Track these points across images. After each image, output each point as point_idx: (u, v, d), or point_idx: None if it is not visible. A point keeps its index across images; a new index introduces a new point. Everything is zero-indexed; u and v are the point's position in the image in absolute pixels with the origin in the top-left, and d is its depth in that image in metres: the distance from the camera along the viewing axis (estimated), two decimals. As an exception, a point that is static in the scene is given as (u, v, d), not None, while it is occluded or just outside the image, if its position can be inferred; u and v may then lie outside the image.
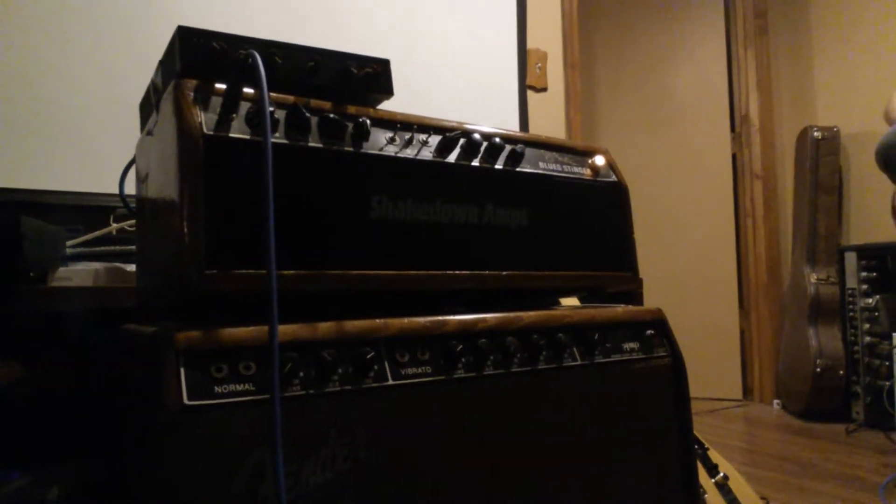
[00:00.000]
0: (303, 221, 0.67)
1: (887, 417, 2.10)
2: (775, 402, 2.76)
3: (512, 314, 0.78)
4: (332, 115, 0.69)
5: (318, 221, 0.67)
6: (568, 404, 0.81)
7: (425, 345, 0.70)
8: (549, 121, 2.21)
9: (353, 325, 0.66)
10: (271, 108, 0.65)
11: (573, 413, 0.81)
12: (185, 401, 0.56)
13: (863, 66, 2.64)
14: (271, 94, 0.67)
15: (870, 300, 2.35)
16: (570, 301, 1.27)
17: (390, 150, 0.73)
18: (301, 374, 0.62)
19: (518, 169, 0.84)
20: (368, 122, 0.72)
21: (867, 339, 2.34)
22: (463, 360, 0.72)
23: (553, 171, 0.88)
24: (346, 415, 0.64)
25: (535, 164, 0.86)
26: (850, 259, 2.39)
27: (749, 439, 2.35)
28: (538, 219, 0.85)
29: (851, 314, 2.40)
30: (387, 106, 0.80)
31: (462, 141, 0.80)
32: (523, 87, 2.11)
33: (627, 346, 0.87)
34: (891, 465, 1.86)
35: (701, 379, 2.91)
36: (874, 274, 2.37)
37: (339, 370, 0.65)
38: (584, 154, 0.94)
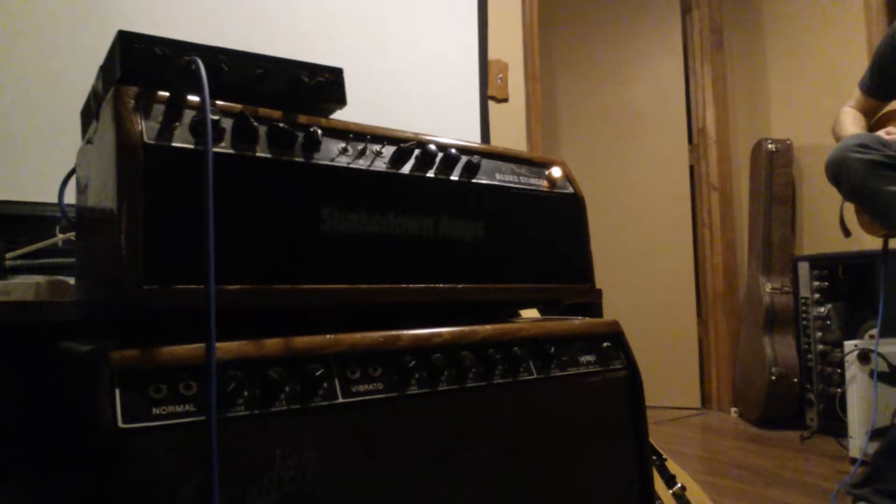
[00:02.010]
0: (250, 234, 0.64)
1: (839, 424, 2.14)
2: (733, 410, 2.80)
3: (467, 328, 0.77)
4: (281, 125, 0.67)
5: (265, 234, 0.65)
6: (524, 418, 0.80)
7: (377, 361, 0.69)
8: (511, 131, 2.21)
9: (302, 341, 0.64)
10: (216, 117, 0.62)
11: (529, 427, 0.80)
12: (120, 423, 0.53)
13: (814, 81, 2.72)
14: (217, 102, 0.65)
15: (822, 309, 2.41)
16: (531, 313, 1.26)
17: (342, 161, 0.72)
18: (245, 393, 0.60)
19: (474, 180, 0.83)
20: (320, 131, 0.70)
21: (820, 347, 2.39)
22: (416, 375, 0.70)
23: (510, 182, 0.87)
24: (294, 435, 0.62)
25: (491, 176, 0.86)
26: (804, 269, 2.45)
27: (707, 448, 2.38)
28: (494, 231, 0.84)
29: (805, 323, 2.45)
30: (345, 116, 0.78)
31: (417, 152, 0.79)
32: (484, 98, 2.11)
33: (584, 358, 0.86)
34: (843, 472, 1.90)
35: (661, 388, 2.94)
36: (826, 283, 2.43)
37: (287, 388, 0.62)
38: (541, 165, 0.93)
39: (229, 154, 0.63)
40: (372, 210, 0.73)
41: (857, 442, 1.90)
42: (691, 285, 2.95)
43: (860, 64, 1.90)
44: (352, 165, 0.72)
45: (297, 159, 0.68)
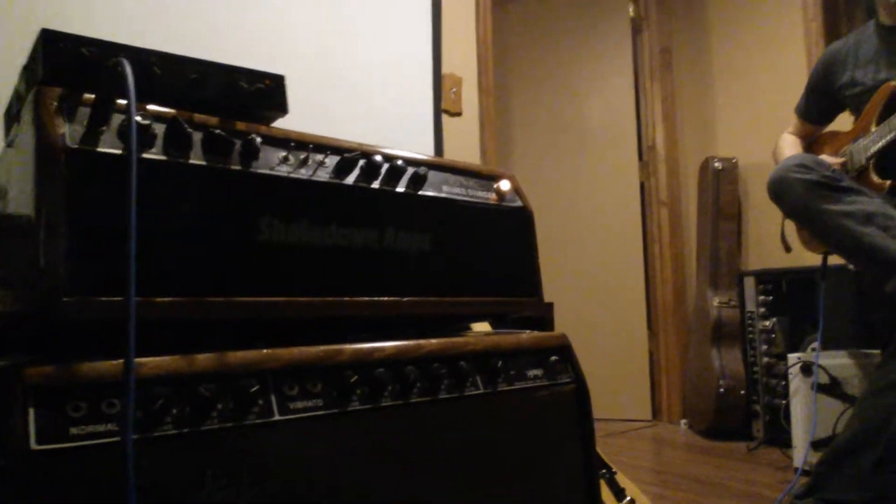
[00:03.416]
0: (182, 244, 0.62)
1: (784, 435, 2.19)
2: (682, 421, 2.84)
3: (412, 342, 0.75)
4: (217, 131, 0.65)
5: (200, 244, 0.63)
6: (470, 433, 0.78)
7: (317, 376, 0.66)
8: (464, 145, 2.21)
9: (236, 356, 0.62)
10: (147, 122, 0.60)
11: (476, 442, 0.79)
12: (33, 445, 0.49)
13: (758, 103, 2.81)
14: (149, 107, 0.62)
15: (767, 322, 2.47)
16: (483, 326, 1.25)
17: (283, 171, 0.70)
18: (174, 411, 0.57)
19: (420, 192, 0.82)
20: (259, 139, 0.68)
21: (765, 360, 2.45)
22: (358, 391, 0.68)
23: (457, 195, 0.86)
24: (226, 454, 0.59)
25: (438, 188, 0.85)
26: (749, 283, 2.51)
27: (657, 459, 2.41)
28: (441, 243, 0.83)
29: (751, 336, 2.51)
30: (294, 126, 0.76)
31: (362, 162, 0.77)
32: (438, 112, 2.11)
33: (531, 373, 0.85)
34: (787, 482, 1.93)
35: (613, 400, 2.97)
36: (770, 298, 2.49)
37: (219, 406, 0.60)
38: (490, 178, 0.93)
39: (160, 161, 0.61)
40: (314, 221, 0.71)
41: (801, 452, 1.94)
42: (642, 299, 3.00)
43: (801, 87, 1.97)
44: (292, 175, 0.70)
45: (234, 167, 0.66)
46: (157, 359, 0.58)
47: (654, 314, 3.01)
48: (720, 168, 2.79)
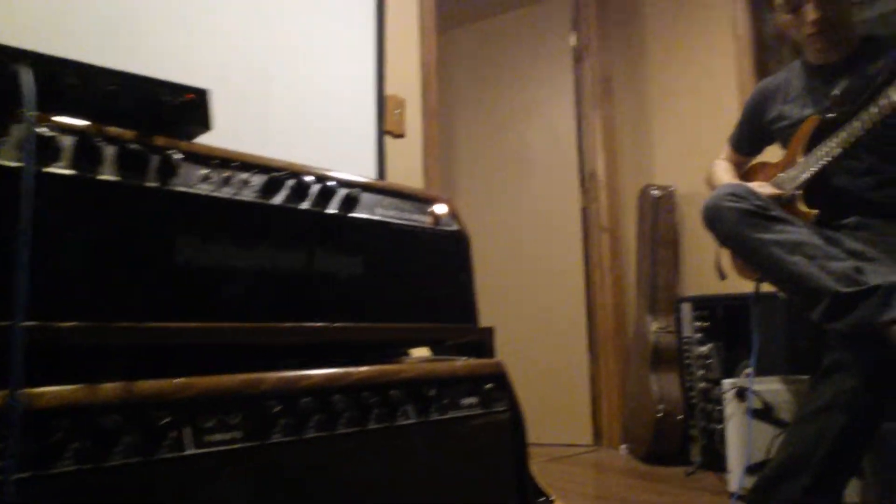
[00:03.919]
0: (90, 265, 0.57)
1: (720, 460, 2.22)
2: (622, 446, 2.86)
3: (340, 370, 0.72)
4: (133, 146, 0.61)
5: (109, 266, 0.59)
6: (402, 464, 0.76)
7: (236, 407, 0.63)
8: (407, 167, 2.20)
9: (145, 385, 0.57)
10: (52, 134, 0.56)
11: (408, 473, 0.76)
12: None
13: (694, 133, 2.90)
14: (55, 118, 0.58)
15: (703, 348, 2.52)
16: (424, 352, 1.23)
17: (203, 189, 0.66)
18: (75, 445, 0.52)
19: (352, 214, 0.79)
20: (178, 156, 0.64)
21: (702, 385, 2.49)
22: (282, 422, 0.65)
23: (391, 217, 0.84)
24: (133, 492, 0.55)
25: (371, 210, 0.82)
26: (686, 309, 2.56)
27: (597, 485, 2.41)
28: (373, 267, 0.80)
29: (688, 361, 2.55)
30: (229, 145, 0.72)
31: (291, 182, 0.74)
32: (381, 133, 2.09)
33: (466, 401, 0.83)
34: (723, 506, 1.96)
35: (554, 425, 2.97)
36: (707, 323, 2.54)
37: (126, 439, 0.55)
38: (426, 201, 0.91)
39: (66, 175, 0.57)
40: (237, 243, 0.68)
41: (736, 477, 1.97)
42: (583, 324, 3.03)
43: (734, 120, 2.04)
44: (214, 194, 0.67)
45: (149, 184, 0.62)
46: (56, 388, 0.53)
47: (595, 339, 3.04)
48: (658, 196, 2.85)
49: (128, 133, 0.63)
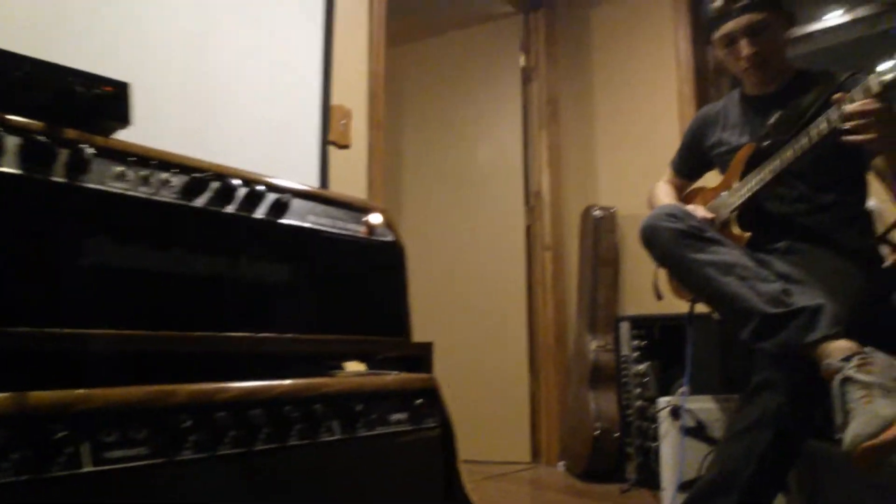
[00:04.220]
0: (-18, 264, 0.53)
1: (655, 477, 2.24)
2: (560, 463, 2.87)
3: (261, 383, 0.69)
4: (38, 138, 0.57)
5: (5, 265, 0.54)
6: (326, 482, 0.72)
7: (143, 421, 0.59)
8: (351, 179, 2.17)
9: (39, 396, 0.53)
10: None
11: (331, 492, 0.73)
12: None
13: (636, 156, 2.96)
14: (-51, 103, 0.54)
15: (641, 367, 2.55)
16: (359, 366, 1.19)
17: (117, 187, 0.62)
18: (-47, 462, 0.48)
19: (281, 220, 0.76)
20: (91, 151, 0.60)
21: (638, 403, 2.52)
22: (193, 437, 0.61)
23: (323, 225, 0.82)
24: (19, 514, 0.50)
25: (302, 217, 0.79)
26: (624, 328, 2.59)
27: (533, 503, 2.40)
28: (302, 276, 0.77)
29: (625, 379, 2.58)
30: (165, 146, 0.69)
31: (215, 184, 0.71)
32: (325, 143, 2.06)
33: (394, 417, 0.81)
34: (656, 524, 1.97)
35: (493, 442, 2.96)
36: (644, 342, 2.58)
37: (15, 455, 0.51)
38: (361, 211, 0.89)
39: (-43, 166, 0.52)
40: (152, 245, 0.64)
41: (668, 495, 1.99)
42: (525, 341, 3.03)
43: (674, 145, 2.08)
44: (129, 193, 0.63)
45: (56, 180, 0.58)
46: (-67, 399, 0.48)
47: (535, 357, 3.05)
48: (600, 216, 2.90)
49: (35, 124, 0.59)
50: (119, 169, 0.63)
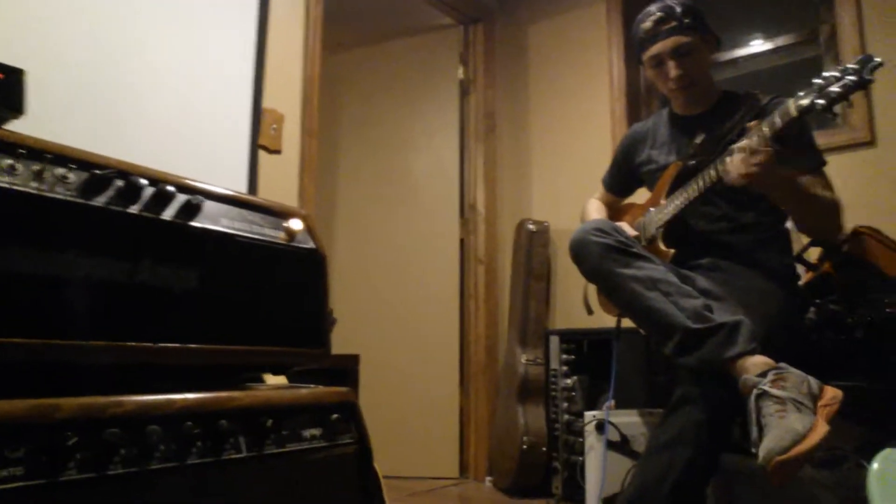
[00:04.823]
0: None
1: (581, 491, 2.25)
2: (488, 479, 2.86)
3: (161, 397, 0.64)
4: None
5: None
6: (230, 503, 0.68)
7: (21, 437, 0.53)
8: (282, 185, 2.11)
9: None
10: None
11: (238, 514, 0.68)
12: None
13: (569, 172, 3.01)
14: None
15: (569, 381, 2.57)
16: (280, 380, 1.14)
17: (4, 181, 0.57)
18: None
19: (191, 223, 0.72)
20: (-30, 140, 0.55)
21: (566, 417, 2.54)
22: (78, 456, 0.56)
23: (238, 230, 0.77)
24: None
25: (215, 221, 0.75)
26: (554, 342, 2.61)
27: (460, 519, 2.38)
28: (213, 283, 0.73)
29: (554, 393, 2.60)
30: (80, 146, 0.63)
31: (119, 183, 0.66)
32: (255, 147, 2.00)
33: (308, 433, 0.77)
34: (580, 538, 1.98)
35: (421, 458, 2.92)
36: (573, 356, 2.61)
37: None
38: (281, 216, 0.85)
39: None
40: (44, 246, 0.59)
41: (593, 509, 2.01)
42: (456, 354, 3.02)
43: (606, 162, 2.12)
44: (16, 187, 0.57)
45: (-74, 170, 0.52)
46: None
47: (466, 370, 3.04)
48: (533, 230, 2.93)
49: None
50: (8, 161, 0.58)
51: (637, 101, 2.95)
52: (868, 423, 1.60)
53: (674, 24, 1.69)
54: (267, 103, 2.06)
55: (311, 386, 0.84)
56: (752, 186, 1.41)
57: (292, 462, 0.74)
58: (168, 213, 0.70)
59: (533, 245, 2.91)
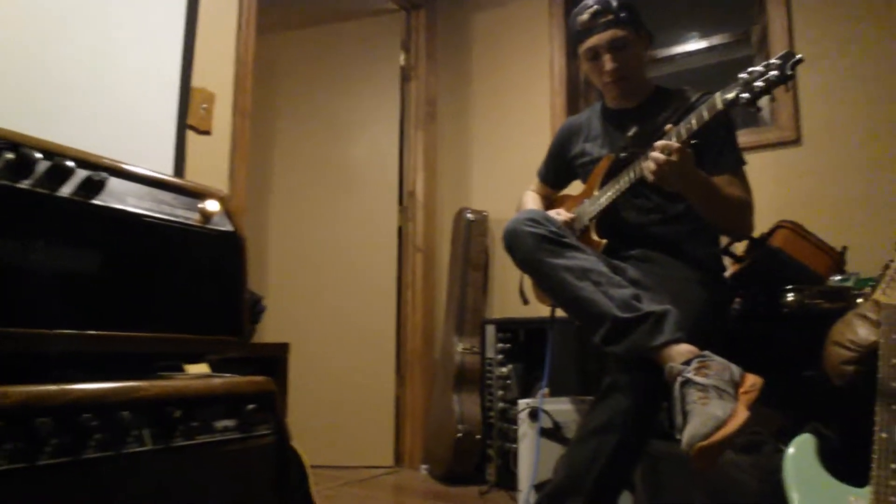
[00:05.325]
0: None
1: (513, 478, 2.27)
2: (423, 467, 2.85)
3: (53, 387, 0.59)
4: None
5: None
6: (132, 500, 0.64)
7: None
8: (212, 166, 2.03)
9: None
10: None
11: (143, 510, 0.64)
12: None
13: (509, 162, 3.02)
14: None
15: (504, 369, 2.59)
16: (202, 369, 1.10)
17: None
18: None
19: (93, 201, 0.67)
20: None
21: (501, 405, 2.55)
22: (-46, 452, 0.51)
23: (146, 210, 0.73)
24: None
25: (121, 199, 0.70)
26: (490, 331, 2.62)
27: (393, 508, 2.37)
28: (117, 266, 0.68)
29: (489, 382, 2.61)
30: None
31: (9, 155, 0.61)
32: (183, 126, 1.91)
33: (221, 424, 0.73)
34: (512, 525, 2.00)
35: (357, 446, 2.89)
36: (509, 345, 2.63)
37: None
38: (196, 196, 0.80)
39: None
40: (-85, 221, 0.53)
41: (523, 495, 2.03)
42: (392, 343, 3.00)
43: (545, 153, 2.13)
44: None
45: None
46: None
47: (403, 359, 3.02)
48: (472, 219, 2.92)
49: None
50: None
51: (577, 95, 2.97)
52: (786, 409, 1.67)
53: (610, 17, 1.70)
54: (197, 82, 1.98)
55: (227, 375, 0.80)
56: (664, 183, 1.45)
57: (204, 455, 0.70)
58: (66, 191, 0.65)
59: (471, 234, 2.90)
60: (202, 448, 0.70)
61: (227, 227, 0.82)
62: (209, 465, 0.71)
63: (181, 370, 0.99)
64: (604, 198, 1.69)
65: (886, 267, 1.47)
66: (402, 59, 3.24)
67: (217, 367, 1.12)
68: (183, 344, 0.75)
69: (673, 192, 1.52)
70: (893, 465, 1.05)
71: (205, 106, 2.00)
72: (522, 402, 2.12)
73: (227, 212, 0.83)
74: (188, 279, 0.76)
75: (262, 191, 3.08)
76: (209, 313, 0.79)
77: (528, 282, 1.99)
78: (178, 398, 0.68)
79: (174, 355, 0.81)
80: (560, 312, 1.89)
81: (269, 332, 2.69)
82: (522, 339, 2.65)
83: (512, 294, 2.53)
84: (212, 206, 0.80)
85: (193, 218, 0.78)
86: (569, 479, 1.36)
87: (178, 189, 0.78)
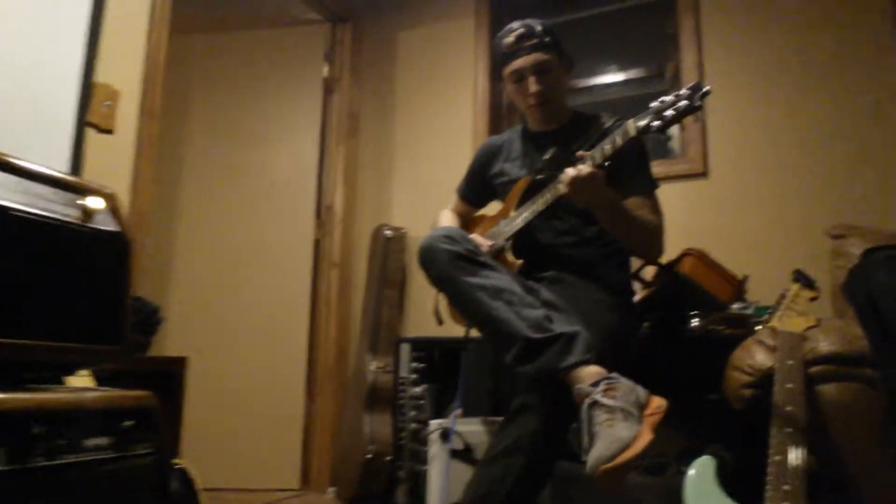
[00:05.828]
0: None
1: (423, 501, 2.22)
2: (330, 489, 2.76)
3: None
4: None
5: None
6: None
7: None
8: (114, 167, 1.91)
9: None
10: None
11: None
12: None
13: (429, 180, 3.01)
14: None
15: (418, 389, 2.55)
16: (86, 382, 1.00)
17: None
18: None
19: (-52, 189, 0.60)
20: None
21: (413, 426, 2.51)
22: None
23: (16, 203, 0.66)
24: None
25: (-14, 190, 0.63)
26: (405, 350, 2.58)
27: (296, 533, 2.27)
28: (-25, 263, 0.61)
29: (402, 402, 2.56)
30: None
31: None
32: (82, 123, 1.79)
33: (92, 442, 0.66)
34: (418, 549, 1.95)
35: (262, 468, 2.77)
36: (423, 365, 2.59)
37: None
38: (77, 192, 0.73)
39: None
40: None
41: (433, 519, 1.98)
42: (303, 359, 2.90)
43: (464, 172, 2.12)
44: None
45: None
46: None
47: (314, 376, 2.93)
48: (390, 236, 2.89)
49: None
50: None
51: (499, 118, 3.01)
52: (689, 432, 1.71)
53: (535, 41, 1.72)
54: (101, 77, 1.86)
55: (104, 389, 0.73)
56: (577, 196, 1.49)
57: (69, 476, 0.63)
58: (-84, 175, 0.57)
59: (389, 251, 2.87)
60: (67, 469, 0.63)
61: (112, 227, 0.75)
62: (77, 487, 0.64)
63: (60, 383, 0.90)
64: (520, 219, 1.70)
65: (783, 296, 1.54)
66: (325, 70, 3.19)
67: (106, 382, 1.03)
68: (53, 352, 0.68)
69: (585, 210, 1.55)
70: (786, 487, 1.08)
71: (108, 103, 1.89)
72: (433, 423, 2.09)
73: (113, 210, 0.76)
74: (64, 281, 0.69)
75: (171, 196, 2.94)
76: (87, 320, 0.72)
77: (443, 302, 1.97)
78: (39, 413, 0.61)
79: (44, 365, 0.73)
80: (475, 332, 1.87)
81: (172, 345, 2.55)
82: (437, 358, 2.61)
83: (428, 313, 2.50)
84: (95, 203, 0.73)
85: (73, 215, 0.71)
86: (477, 500, 1.34)
87: (57, 183, 0.71)
